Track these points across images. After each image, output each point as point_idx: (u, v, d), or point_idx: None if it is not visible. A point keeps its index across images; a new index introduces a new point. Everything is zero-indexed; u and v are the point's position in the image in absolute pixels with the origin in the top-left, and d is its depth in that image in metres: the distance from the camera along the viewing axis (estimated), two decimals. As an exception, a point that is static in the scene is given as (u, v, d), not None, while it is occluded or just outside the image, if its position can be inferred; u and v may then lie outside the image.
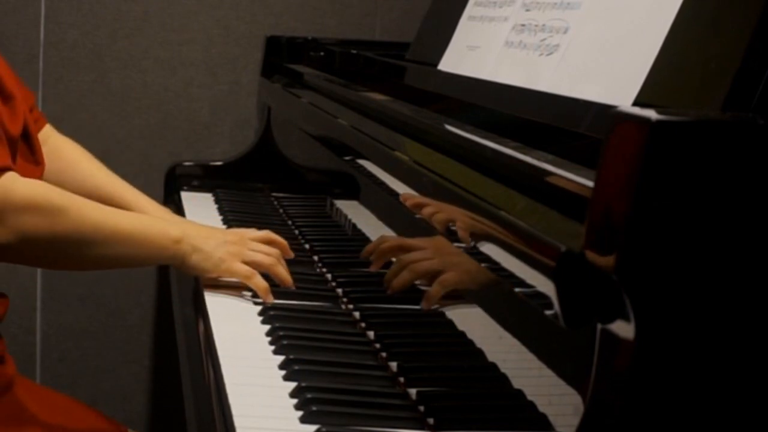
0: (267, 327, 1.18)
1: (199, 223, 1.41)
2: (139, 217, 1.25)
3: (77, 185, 1.42)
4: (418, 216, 1.05)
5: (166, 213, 1.49)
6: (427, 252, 1.07)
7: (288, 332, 1.15)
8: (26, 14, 2.11)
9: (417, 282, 1.10)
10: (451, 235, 0.95)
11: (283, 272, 1.28)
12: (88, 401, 1.47)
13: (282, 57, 2.05)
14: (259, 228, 1.61)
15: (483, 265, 0.86)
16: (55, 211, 1.16)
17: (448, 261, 1.00)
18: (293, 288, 1.28)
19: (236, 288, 1.30)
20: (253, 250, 1.28)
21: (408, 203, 1.07)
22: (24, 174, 1.23)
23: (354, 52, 1.86)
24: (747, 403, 0.66)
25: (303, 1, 2.21)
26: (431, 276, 1.05)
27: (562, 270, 0.69)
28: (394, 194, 1.15)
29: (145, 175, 2.18)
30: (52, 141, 1.47)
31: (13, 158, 1.24)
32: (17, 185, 1.16)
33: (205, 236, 1.26)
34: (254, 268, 1.26)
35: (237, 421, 0.93)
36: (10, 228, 1.14)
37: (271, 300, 1.24)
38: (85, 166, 1.48)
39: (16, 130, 1.24)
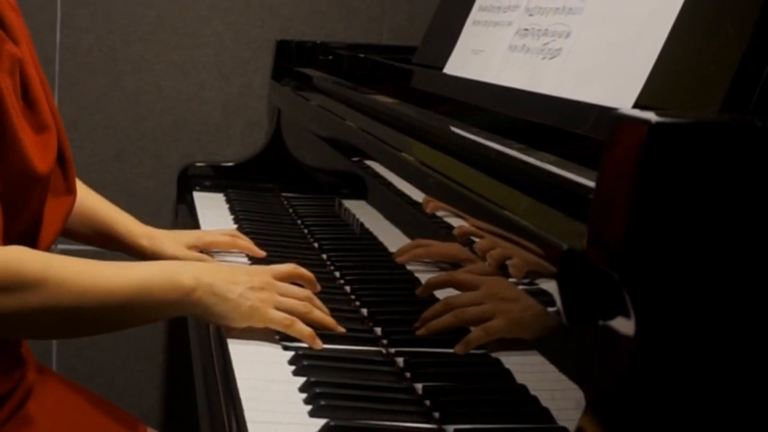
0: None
1: (213, 262, 1.34)
2: (142, 272, 1.09)
3: (88, 221, 1.38)
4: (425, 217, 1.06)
5: (144, 229, 1.41)
6: (478, 295, 0.93)
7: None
8: (42, 19, 2.12)
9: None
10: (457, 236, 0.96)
11: (321, 316, 1.15)
12: (103, 397, 1.48)
13: (291, 60, 2.06)
14: (271, 228, 1.65)
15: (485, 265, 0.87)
16: (26, 287, 1.02)
17: (500, 308, 0.89)
18: (342, 332, 1.15)
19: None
20: (284, 295, 1.14)
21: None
22: (54, 208, 1.16)
23: (361, 55, 1.87)
24: (748, 400, 0.65)
25: (312, 6, 2.22)
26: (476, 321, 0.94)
27: (564, 268, 0.70)
28: (401, 194, 1.16)
29: (158, 175, 2.21)
30: None
31: (42, 196, 1.14)
32: None
33: (228, 281, 1.11)
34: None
35: (248, 415, 0.94)
36: None
37: (320, 345, 1.11)
38: (91, 202, 1.41)
39: (46, 167, 1.12)
